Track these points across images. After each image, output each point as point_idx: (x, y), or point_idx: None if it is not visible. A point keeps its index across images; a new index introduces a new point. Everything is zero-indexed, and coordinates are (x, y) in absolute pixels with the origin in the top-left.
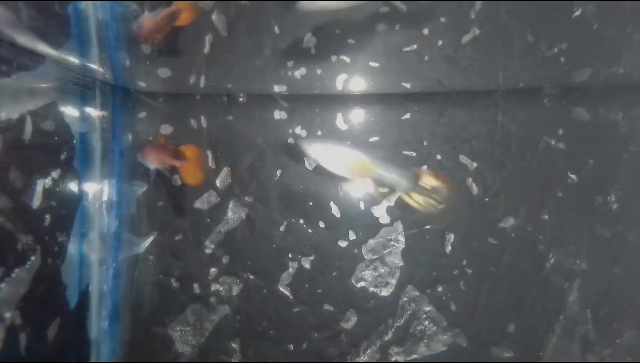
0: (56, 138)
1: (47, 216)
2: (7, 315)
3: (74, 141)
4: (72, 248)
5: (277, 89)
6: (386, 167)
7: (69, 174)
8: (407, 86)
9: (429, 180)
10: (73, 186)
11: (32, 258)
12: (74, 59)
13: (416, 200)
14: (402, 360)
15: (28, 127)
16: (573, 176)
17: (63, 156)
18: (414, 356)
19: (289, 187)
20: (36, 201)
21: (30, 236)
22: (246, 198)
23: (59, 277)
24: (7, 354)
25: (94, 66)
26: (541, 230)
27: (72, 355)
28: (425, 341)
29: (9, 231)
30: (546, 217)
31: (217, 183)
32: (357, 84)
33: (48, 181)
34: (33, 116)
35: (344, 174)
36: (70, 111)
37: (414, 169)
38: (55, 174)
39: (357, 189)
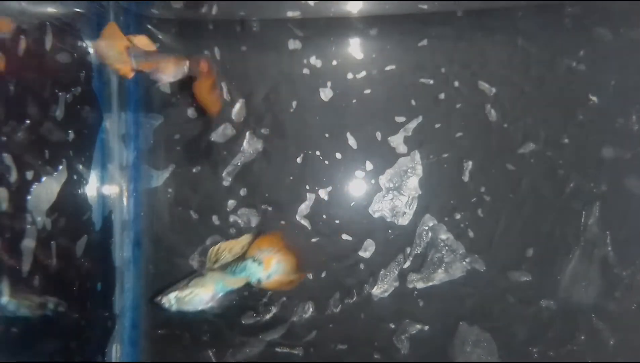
0: (75, 55)
1: (70, 132)
2: (39, 219)
3: (92, 66)
4: (93, 177)
5: (290, 14)
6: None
7: (89, 95)
8: (424, 7)
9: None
10: (93, 109)
11: (60, 167)
12: None
13: (272, 284)
14: (421, 286)
15: (49, 37)
16: (594, 98)
17: (82, 75)
18: (433, 282)
19: (304, 119)
20: (60, 114)
21: (56, 146)
22: (262, 131)
23: (84, 196)
24: (39, 260)
25: None
26: (561, 154)
27: (99, 279)
28: (443, 267)
29: (37, 138)
30: (566, 141)
31: (233, 115)
32: (373, 5)
33: (69, 96)
34: (53, 28)
35: None
36: (87, 38)
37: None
38: (75, 91)
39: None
